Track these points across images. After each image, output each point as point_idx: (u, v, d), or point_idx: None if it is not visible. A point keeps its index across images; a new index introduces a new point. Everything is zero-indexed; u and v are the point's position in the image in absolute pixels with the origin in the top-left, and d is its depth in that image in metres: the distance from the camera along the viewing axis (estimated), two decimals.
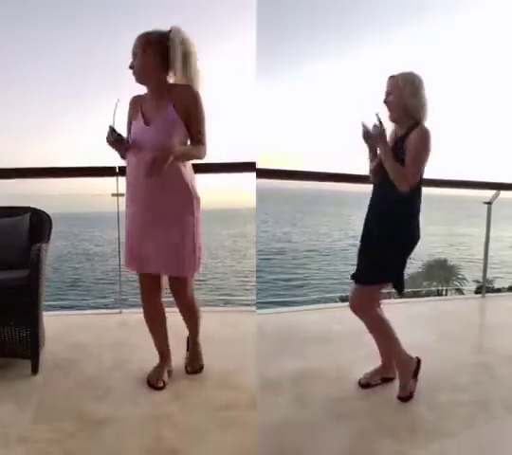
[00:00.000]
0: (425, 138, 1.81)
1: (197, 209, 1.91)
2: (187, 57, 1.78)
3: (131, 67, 1.82)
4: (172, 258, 1.88)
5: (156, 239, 1.87)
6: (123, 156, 1.90)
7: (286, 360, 2.30)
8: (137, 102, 1.90)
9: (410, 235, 1.90)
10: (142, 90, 1.92)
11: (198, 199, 1.91)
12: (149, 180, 1.76)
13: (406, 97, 1.82)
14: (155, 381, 1.99)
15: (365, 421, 1.77)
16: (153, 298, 2.03)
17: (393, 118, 1.90)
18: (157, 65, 1.80)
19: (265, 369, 2.12)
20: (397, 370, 2.02)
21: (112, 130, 1.79)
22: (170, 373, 2.09)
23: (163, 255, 1.88)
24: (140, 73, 1.82)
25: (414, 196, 1.89)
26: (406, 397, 1.93)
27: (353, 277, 1.97)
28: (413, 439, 1.66)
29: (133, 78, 1.85)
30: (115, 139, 1.81)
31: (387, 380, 2.07)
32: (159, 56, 1.78)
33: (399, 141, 1.86)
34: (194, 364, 2.16)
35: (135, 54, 1.80)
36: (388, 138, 1.91)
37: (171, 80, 1.86)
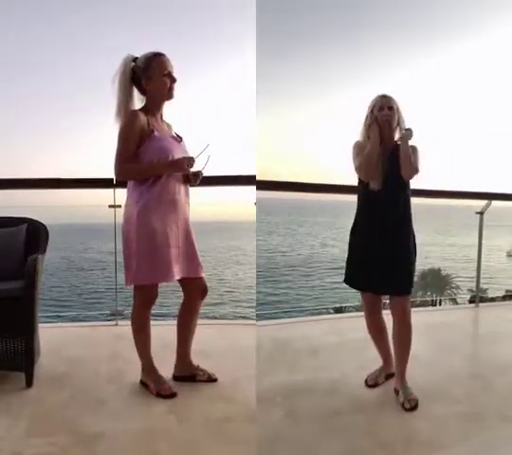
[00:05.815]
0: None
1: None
2: None
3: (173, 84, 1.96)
4: (190, 261, 2.07)
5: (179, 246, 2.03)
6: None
7: (284, 373, 2.30)
8: (143, 117, 1.91)
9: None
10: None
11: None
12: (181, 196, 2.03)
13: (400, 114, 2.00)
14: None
15: (360, 434, 1.75)
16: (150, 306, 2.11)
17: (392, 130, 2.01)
18: None
19: (263, 382, 2.11)
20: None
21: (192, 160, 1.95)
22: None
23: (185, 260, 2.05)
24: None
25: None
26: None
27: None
28: (408, 453, 1.65)
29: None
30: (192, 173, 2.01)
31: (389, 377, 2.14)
32: None
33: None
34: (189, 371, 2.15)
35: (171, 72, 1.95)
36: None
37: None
